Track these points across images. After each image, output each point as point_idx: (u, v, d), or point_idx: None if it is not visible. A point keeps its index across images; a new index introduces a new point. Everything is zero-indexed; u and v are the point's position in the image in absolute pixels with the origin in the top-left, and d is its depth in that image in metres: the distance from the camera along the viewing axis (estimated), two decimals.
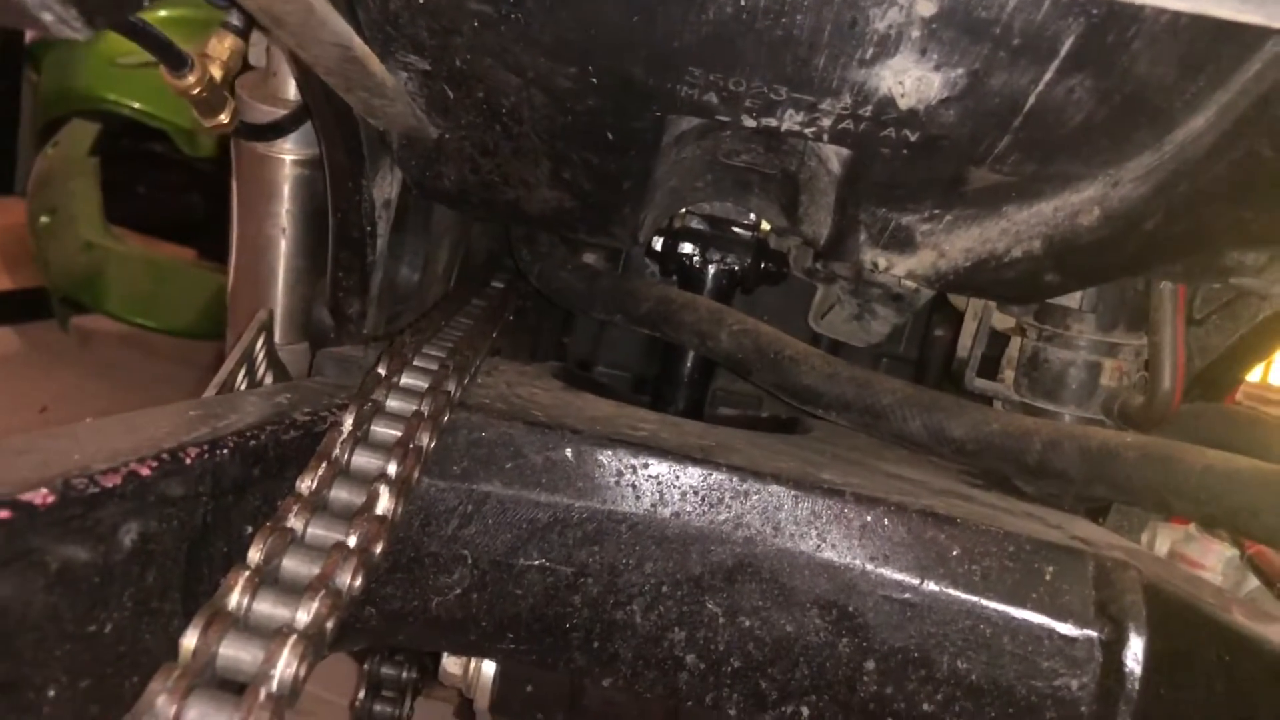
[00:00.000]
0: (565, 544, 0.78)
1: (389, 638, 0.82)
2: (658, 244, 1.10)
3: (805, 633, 0.78)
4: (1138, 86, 0.62)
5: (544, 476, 0.79)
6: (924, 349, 1.24)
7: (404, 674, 1.16)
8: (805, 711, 0.80)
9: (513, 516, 0.78)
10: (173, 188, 3.59)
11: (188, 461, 0.54)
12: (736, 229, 1.10)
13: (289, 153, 0.97)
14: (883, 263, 0.81)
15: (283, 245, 1.01)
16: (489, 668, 0.93)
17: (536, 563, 0.78)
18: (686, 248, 1.10)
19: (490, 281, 1.27)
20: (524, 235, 1.16)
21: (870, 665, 0.78)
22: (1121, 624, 0.73)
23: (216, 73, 0.74)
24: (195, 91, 0.72)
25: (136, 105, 3.36)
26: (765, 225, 1.08)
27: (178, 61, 0.69)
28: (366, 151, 0.85)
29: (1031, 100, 0.65)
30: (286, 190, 0.99)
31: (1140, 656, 0.73)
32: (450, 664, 0.94)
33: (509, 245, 1.26)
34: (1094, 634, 0.74)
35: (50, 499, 0.43)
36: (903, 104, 0.66)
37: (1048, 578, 0.76)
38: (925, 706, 0.78)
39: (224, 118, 0.79)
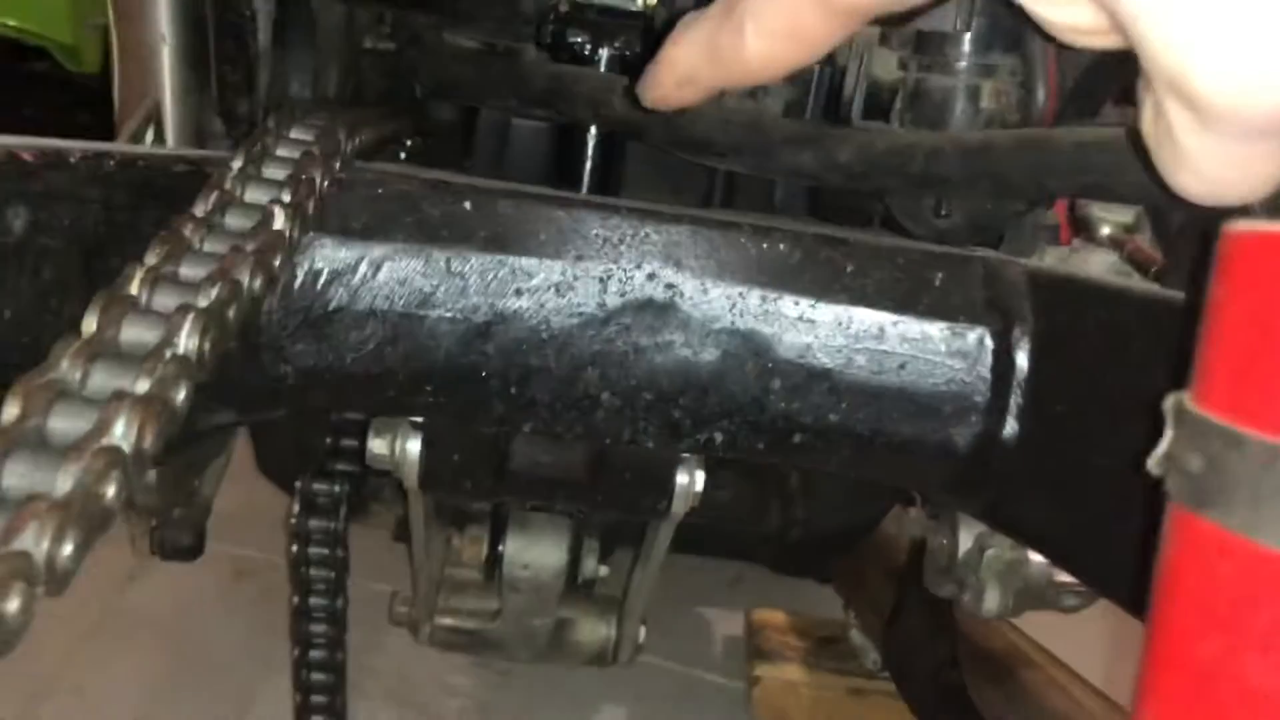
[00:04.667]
0: (471, 294, 0.80)
1: (311, 399, 0.84)
2: (547, 36, 1.11)
3: (712, 361, 0.81)
4: None
5: (444, 229, 0.80)
6: (824, 112, 1.26)
7: (335, 487, 1.18)
8: (719, 437, 0.83)
9: (416, 269, 0.79)
10: (59, 107, 3.47)
11: (71, 160, 0.54)
12: (623, 13, 1.11)
13: None
14: None
15: (165, 53, 1.00)
16: (414, 444, 0.95)
17: (446, 314, 0.80)
18: (575, 35, 1.10)
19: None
20: (411, 36, 1.15)
21: (776, 384, 0.81)
22: (1008, 313, 0.77)
23: None
24: None
25: (11, 23, 3.22)
26: (651, 1, 1.08)
27: None
28: None
29: None
30: None
31: (1028, 340, 0.77)
32: (377, 445, 0.95)
33: (400, 75, 1.25)
34: (984, 328, 0.78)
35: None
36: None
37: (937, 283, 0.80)
38: (831, 417, 0.81)
39: None
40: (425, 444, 0.94)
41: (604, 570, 1.31)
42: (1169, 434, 0.36)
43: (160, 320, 0.52)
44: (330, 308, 0.78)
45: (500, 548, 1.20)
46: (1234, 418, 0.31)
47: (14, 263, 0.51)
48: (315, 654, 1.28)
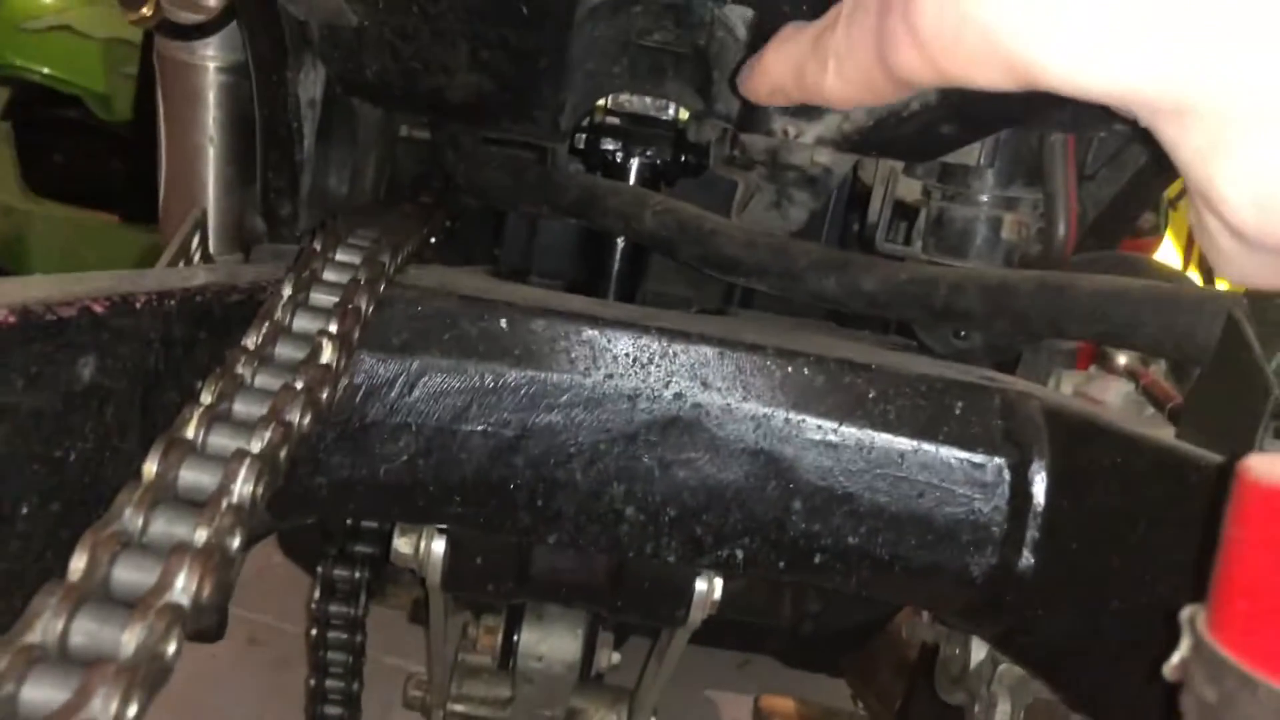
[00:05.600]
0: (504, 409, 0.82)
1: (341, 508, 0.86)
2: (580, 142, 1.14)
3: (735, 480, 0.83)
4: None
5: (480, 345, 0.82)
6: (844, 240, 1.29)
7: (356, 574, 1.20)
8: (739, 554, 0.85)
9: (452, 385, 0.82)
10: (91, 154, 3.53)
11: (137, 305, 0.57)
12: (656, 123, 1.14)
13: (212, 59, 0.99)
14: (793, 130, 0.85)
15: (211, 154, 1.03)
16: (439, 545, 0.97)
17: (478, 428, 0.82)
18: (608, 143, 1.13)
19: (418, 196, 1.30)
20: (449, 138, 1.18)
21: (797, 505, 0.83)
22: (1026, 447, 0.79)
23: None
24: None
25: (46, 70, 3.29)
26: (684, 115, 1.12)
27: None
28: (290, 44, 0.87)
29: None
30: (212, 97, 1.00)
31: (1044, 475, 0.79)
32: (401, 544, 0.97)
33: (434, 161, 1.29)
34: (1001, 460, 0.80)
35: (11, 319, 0.46)
36: None
37: (957, 412, 0.82)
38: (850, 539, 0.83)
39: (146, 10, 0.81)
40: (449, 546, 0.96)
41: (617, 657, 1.32)
42: (1185, 646, 0.38)
43: (217, 465, 0.54)
44: (367, 421, 0.81)
45: (515, 638, 1.21)
46: (1248, 660, 0.33)
47: (80, 408, 0.53)
48: None
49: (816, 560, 0.84)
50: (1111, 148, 0.92)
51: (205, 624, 0.48)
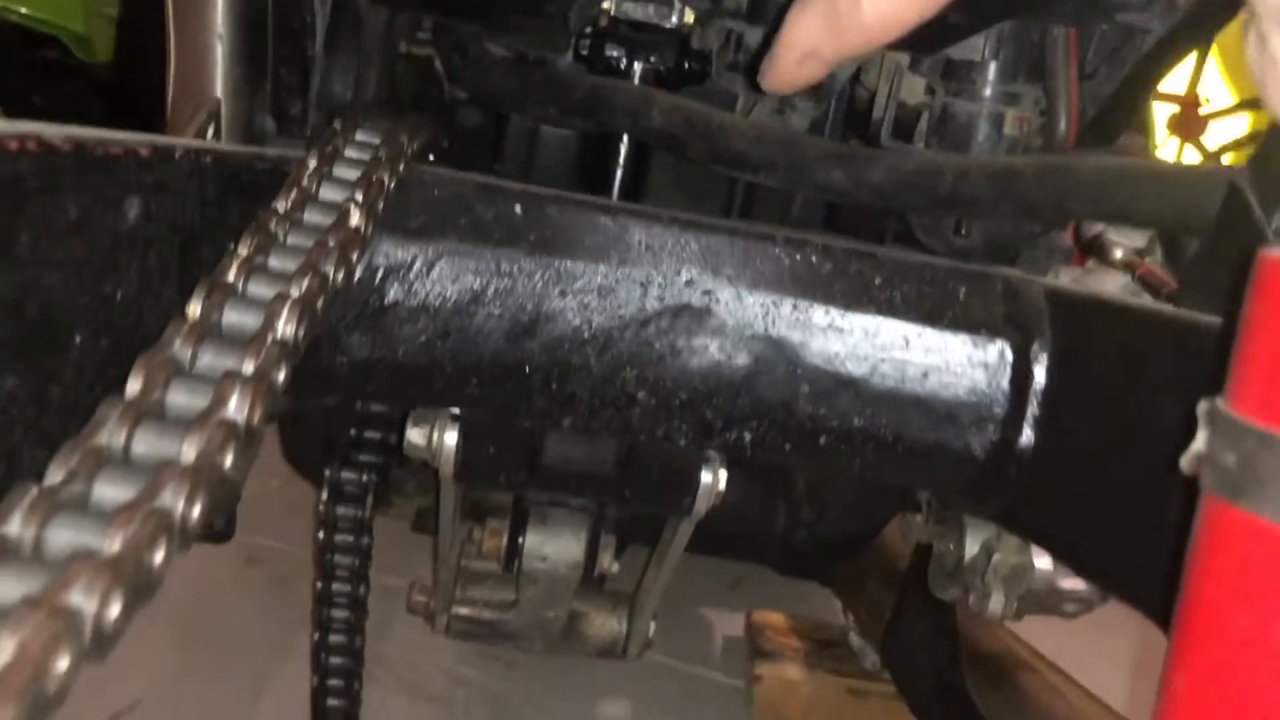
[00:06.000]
0: (519, 294, 0.84)
1: (361, 389, 0.88)
2: (584, 49, 1.15)
3: (744, 364, 0.85)
4: None
5: (495, 231, 0.84)
6: (847, 133, 1.31)
7: (363, 476, 1.22)
8: (748, 436, 0.87)
9: (469, 268, 0.84)
10: (70, 96, 3.48)
11: (176, 156, 0.58)
12: (659, 30, 1.15)
13: None
14: None
15: (220, 52, 1.03)
16: (451, 435, 0.99)
17: (494, 311, 0.84)
18: (612, 50, 1.14)
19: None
20: (454, 44, 1.19)
21: (804, 389, 0.85)
22: (1028, 329, 0.82)
23: None
24: None
25: (23, 10, 3.24)
26: (688, 20, 1.13)
27: None
28: None
29: None
30: None
31: (1046, 354, 0.82)
32: (415, 435, 0.99)
33: (433, 79, 1.29)
34: (1004, 341, 0.83)
35: (68, 146, 0.48)
36: None
37: (961, 297, 0.84)
38: (855, 421, 0.86)
39: None
40: (462, 436, 0.98)
41: (616, 567, 1.35)
42: (1203, 434, 0.40)
43: (259, 307, 0.56)
44: (386, 302, 0.83)
45: (520, 540, 1.23)
46: (1267, 420, 0.36)
47: (126, 249, 0.54)
48: (335, 639, 1.31)
49: (822, 442, 0.87)
50: (1111, 43, 0.94)
51: (245, 467, 0.50)
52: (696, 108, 0.99)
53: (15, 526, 0.39)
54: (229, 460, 0.48)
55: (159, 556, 0.41)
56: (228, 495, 0.47)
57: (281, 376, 0.54)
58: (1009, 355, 0.83)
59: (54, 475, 0.42)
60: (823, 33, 0.62)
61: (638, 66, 1.14)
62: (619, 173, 1.22)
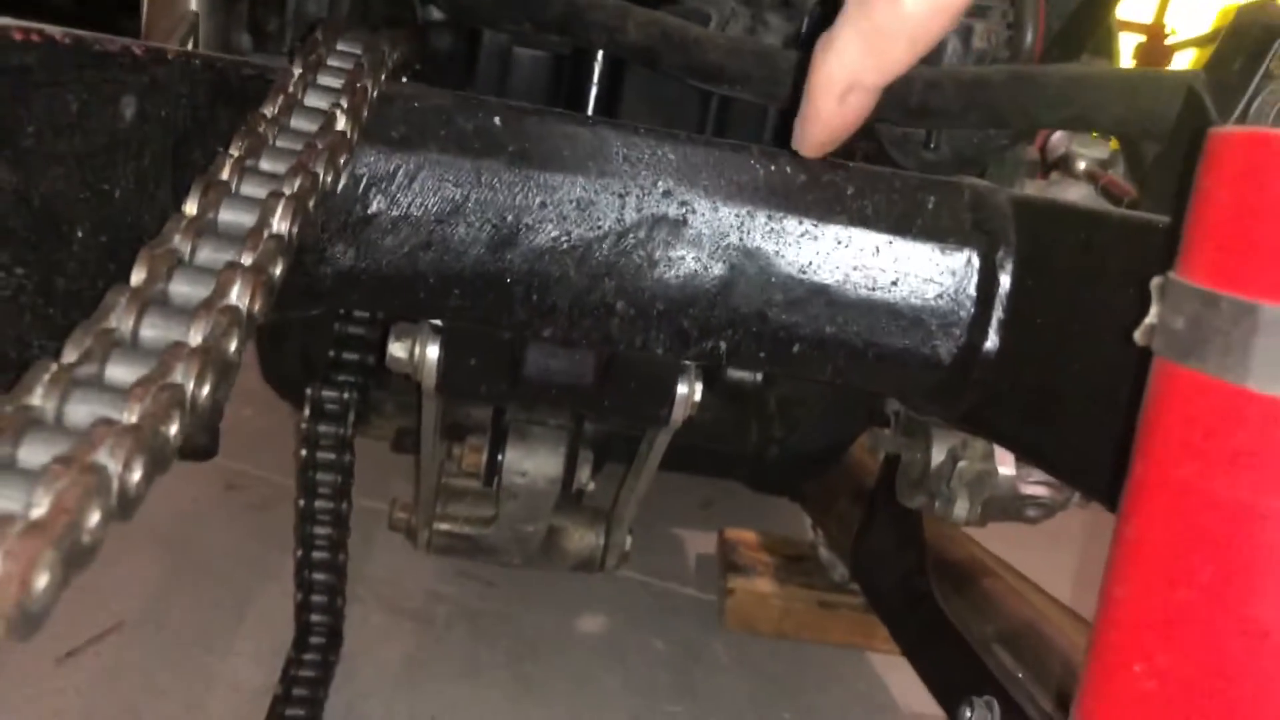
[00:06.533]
0: (500, 205, 0.86)
1: (345, 299, 0.89)
2: None
3: (720, 274, 0.88)
4: None
5: (475, 142, 0.85)
6: None
7: (344, 394, 1.24)
8: (724, 345, 0.90)
9: (450, 178, 0.85)
10: (38, 18, 3.41)
11: (169, 57, 0.59)
12: None
13: None
14: None
15: None
16: (433, 348, 1.01)
17: (475, 222, 0.86)
18: None
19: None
20: None
21: (778, 297, 0.88)
22: (994, 236, 0.85)
23: None
24: None
25: None
26: None
27: None
28: None
29: None
30: None
31: (1011, 260, 0.84)
32: (396, 349, 1.01)
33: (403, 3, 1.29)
34: (971, 249, 0.85)
35: (67, 40, 0.49)
36: None
37: (930, 206, 0.87)
38: (827, 329, 0.88)
39: None
40: (444, 349, 1.00)
41: (594, 484, 1.38)
42: (1155, 307, 0.43)
43: (254, 205, 0.58)
44: (369, 212, 0.84)
45: (500, 456, 1.26)
46: (1211, 283, 0.39)
47: (123, 147, 0.56)
48: (318, 555, 1.34)
49: (795, 350, 0.89)
50: None
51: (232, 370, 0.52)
52: (673, 22, 1.00)
53: (38, 398, 0.41)
54: (233, 345, 0.50)
55: (174, 428, 0.44)
56: (229, 383, 0.49)
57: (278, 270, 0.56)
58: (975, 262, 0.86)
59: (70, 355, 0.44)
60: (861, 56, 0.58)
61: None
62: (594, 92, 1.23)
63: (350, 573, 1.45)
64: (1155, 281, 0.44)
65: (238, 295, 0.51)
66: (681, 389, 1.05)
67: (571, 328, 0.90)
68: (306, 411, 1.24)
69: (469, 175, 0.85)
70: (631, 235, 0.87)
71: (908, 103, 0.88)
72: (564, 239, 0.87)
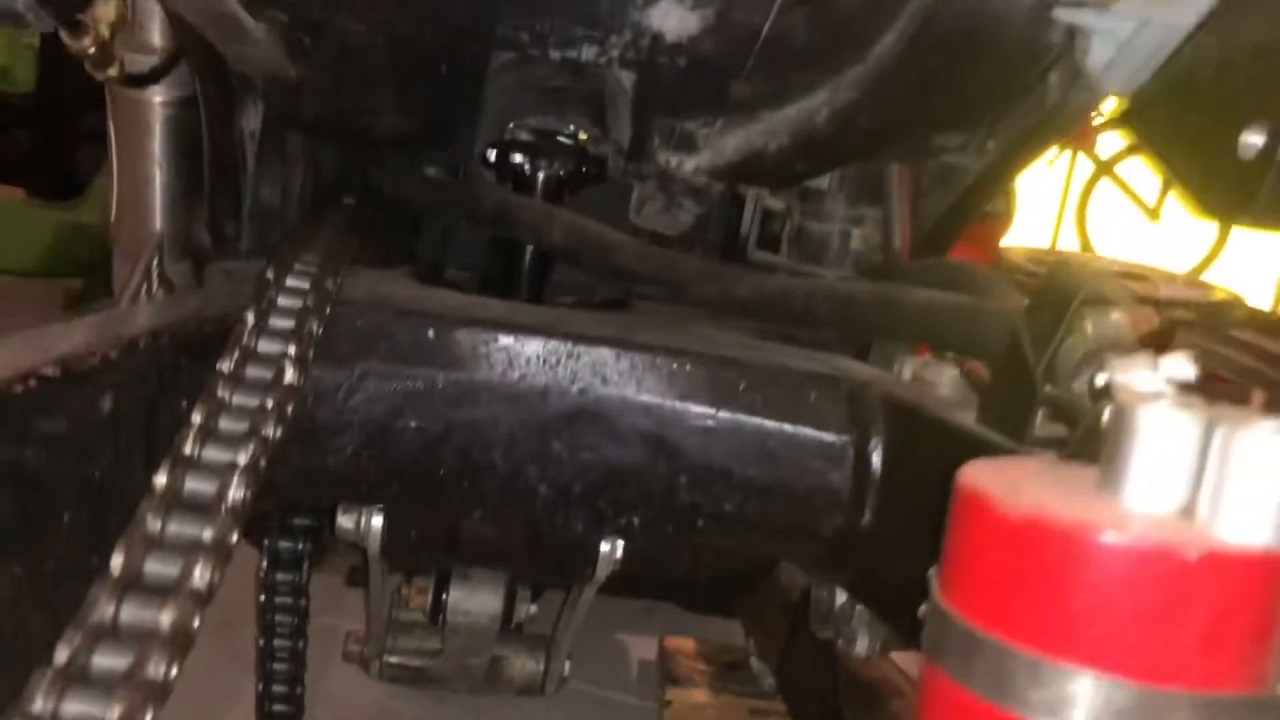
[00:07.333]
0: (434, 407, 0.97)
1: (296, 493, 1.01)
2: (492, 155, 1.28)
3: (631, 460, 1.00)
4: (840, 16, 0.83)
5: (412, 354, 0.97)
6: (728, 235, 1.46)
7: (299, 545, 1.34)
8: (636, 521, 1.02)
9: (389, 388, 0.97)
10: None
11: (141, 347, 0.71)
12: (560, 138, 1.28)
13: (158, 95, 1.10)
14: (674, 161, 1.01)
15: (159, 179, 1.15)
16: (377, 520, 1.11)
17: (411, 424, 0.97)
18: (517, 157, 1.27)
19: (342, 199, 1.42)
20: (373, 158, 1.31)
21: (683, 480, 1.00)
22: (865, 427, 0.97)
23: (106, 32, 0.87)
24: (91, 51, 0.86)
25: None
26: (583, 135, 1.26)
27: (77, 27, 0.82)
28: (236, 89, 1.00)
29: (766, 30, 0.85)
30: (158, 129, 1.12)
31: (880, 450, 0.97)
32: (344, 520, 1.11)
33: (357, 166, 1.41)
34: (847, 438, 0.98)
35: (57, 372, 0.60)
36: (670, 38, 0.86)
37: (812, 399, 0.99)
38: (727, 506, 1.00)
39: (113, 72, 0.92)
40: (386, 522, 1.11)
41: (534, 609, 1.49)
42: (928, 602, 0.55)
43: (214, 475, 0.69)
44: (317, 421, 0.95)
45: (444, 596, 1.36)
46: (956, 610, 0.51)
47: (102, 435, 0.67)
48: (277, 688, 1.43)
49: (699, 524, 1.01)
50: (942, 171, 1.10)
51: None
52: (592, 227, 1.12)
53: (38, 704, 0.52)
54: (195, 624, 0.60)
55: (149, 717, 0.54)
56: (189, 648, 0.60)
57: (234, 539, 0.67)
58: (850, 450, 0.98)
59: (61, 655, 0.55)
60: None
61: (541, 173, 1.26)
62: (527, 260, 1.35)
63: (309, 691, 1.53)
64: (930, 572, 0.56)
65: (199, 575, 0.62)
66: (605, 548, 1.16)
67: (500, 509, 1.01)
68: (263, 561, 1.33)
69: (405, 384, 0.97)
70: (551, 428, 0.99)
71: (791, 309, 1.01)
72: (490, 434, 0.98)
